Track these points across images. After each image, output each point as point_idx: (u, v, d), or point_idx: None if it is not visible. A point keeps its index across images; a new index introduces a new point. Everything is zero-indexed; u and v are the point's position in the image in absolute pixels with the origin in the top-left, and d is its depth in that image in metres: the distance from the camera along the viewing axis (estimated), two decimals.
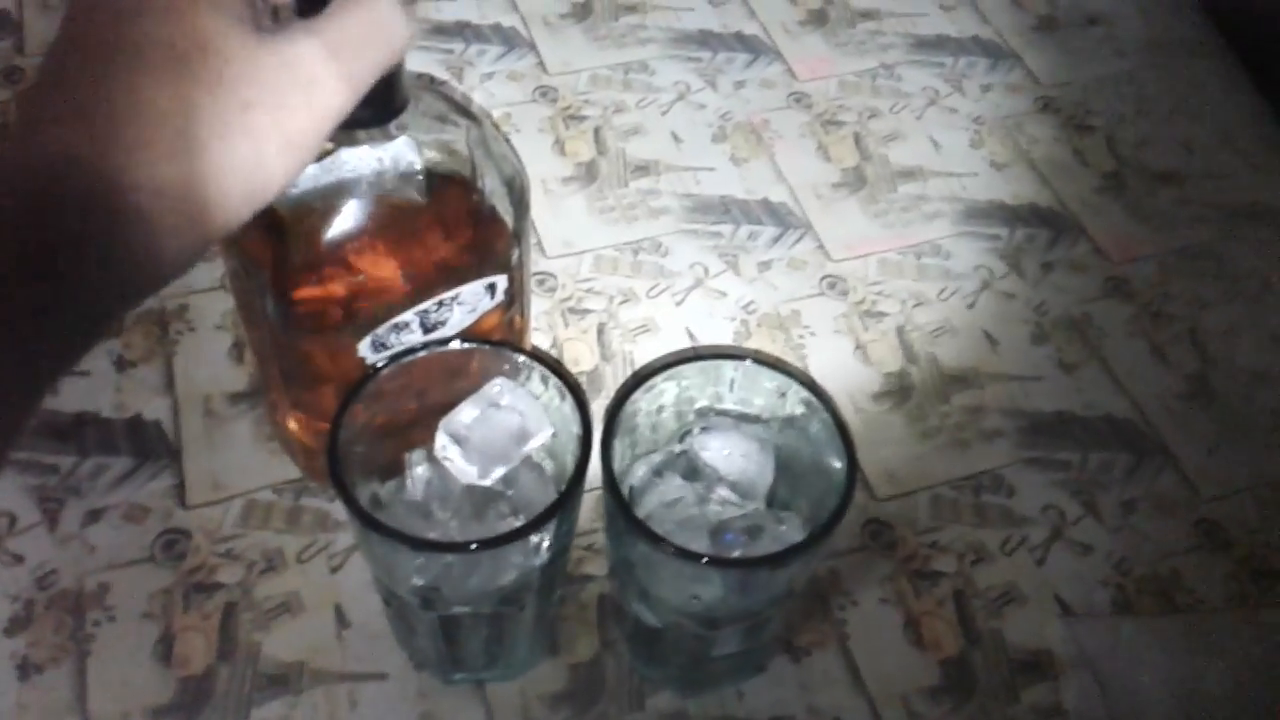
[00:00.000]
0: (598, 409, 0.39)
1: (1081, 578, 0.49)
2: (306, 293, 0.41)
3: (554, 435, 0.41)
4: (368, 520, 0.36)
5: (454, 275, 0.42)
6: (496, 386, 0.41)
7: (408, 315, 0.42)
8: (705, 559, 0.36)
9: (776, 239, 0.62)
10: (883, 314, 0.58)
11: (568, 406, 0.40)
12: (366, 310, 0.41)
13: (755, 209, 0.63)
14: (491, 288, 0.44)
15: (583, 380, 0.55)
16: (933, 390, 0.55)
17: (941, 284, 0.60)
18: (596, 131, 0.67)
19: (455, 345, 0.41)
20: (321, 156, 0.40)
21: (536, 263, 0.59)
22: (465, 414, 0.40)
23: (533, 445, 0.41)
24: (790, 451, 0.42)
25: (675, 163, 0.65)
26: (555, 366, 0.41)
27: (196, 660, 0.45)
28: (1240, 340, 0.58)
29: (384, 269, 0.41)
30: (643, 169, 0.65)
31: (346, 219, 0.39)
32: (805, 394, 0.41)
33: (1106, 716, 0.44)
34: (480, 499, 0.40)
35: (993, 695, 0.45)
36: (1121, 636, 0.46)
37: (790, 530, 0.40)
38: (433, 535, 0.39)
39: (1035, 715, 0.44)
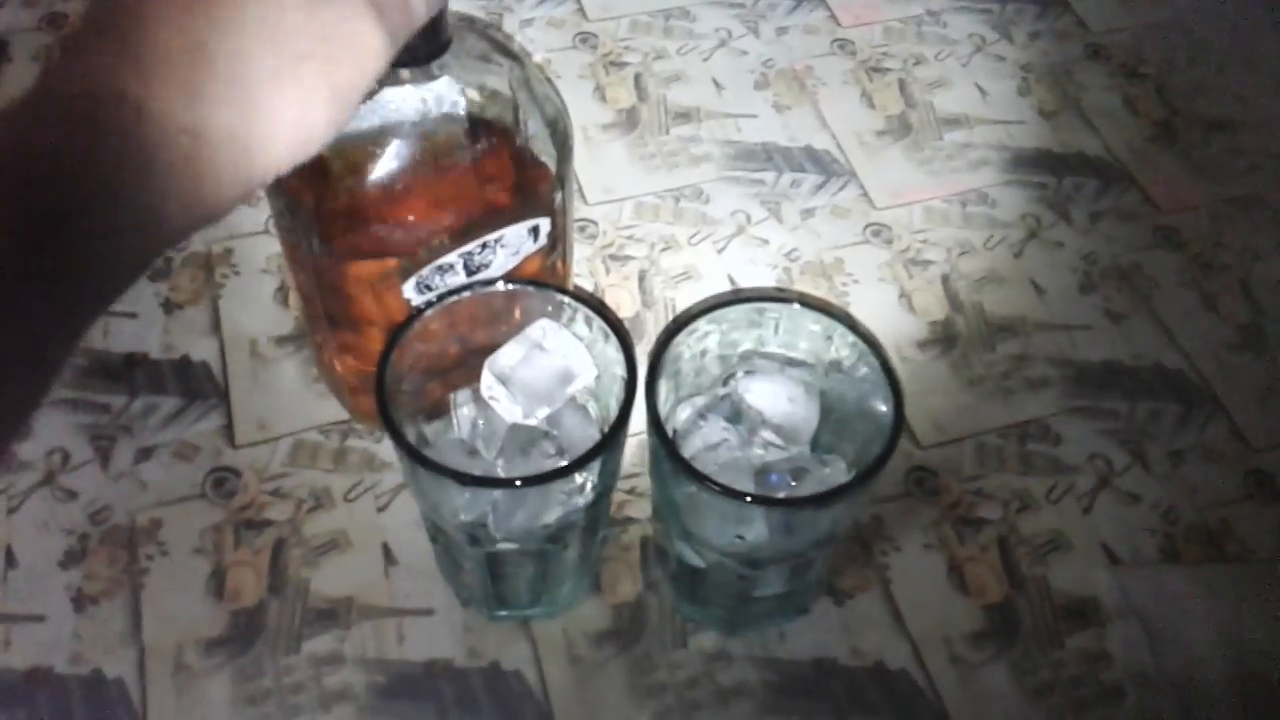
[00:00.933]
0: (639, 355, 0.39)
1: (1128, 526, 0.48)
2: (350, 234, 0.41)
3: (598, 377, 0.41)
4: (415, 455, 0.36)
5: (497, 217, 0.42)
6: (540, 328, 0.41)
7: (451, 257, 0.42)
8: (750, 497, 0.36)
9: (820, 186, 0.61)
10: (928, 262, 0.58)
11: (611, 348, 0.40)
12: (410, 252, 0.41)
13: (798, 156, 0.62)
14: (534, 231, 0.44)
15: (625, 326, 0.55)
16: (978, 339, 0.55)
17: (988, 232, 0.59)
18: (637, 78, 0.66)
19: (499, 286, 0.41)
20: (365, 97, 0.40)
21: (577, 209, 0.59)
22: (510, 354, 0.40)
23: (576, 386, 0.41)
24: (835, 396, 0.42)
25: (717, 110, 0.65)
26: (599, 308, 0.41)
27: (248, 594, 0.45)
28: None
29: (427, 210, 0.41)
30: (684, 116, 0.64)
31: (390, 160, 0.39)
32: (851, 337, 0.40)
33: (1153, 665, 0.44)
34: (525, 438, 0.40)
35: (1037, 641, 0.45)
36: (1169, 585, 0.46)
37: (835, 473, 0.40)
38: (478, 473, 0.39)
39: (1080, 661, 0.44)
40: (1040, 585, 0.46)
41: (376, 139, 0.39)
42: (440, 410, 0.42)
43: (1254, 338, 0.55)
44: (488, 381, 0.40)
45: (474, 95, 0.40)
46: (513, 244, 0.44)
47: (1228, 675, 0.43)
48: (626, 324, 0.55)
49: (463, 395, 0.41)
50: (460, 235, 0.42)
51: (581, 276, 0.57)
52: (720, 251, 0.58)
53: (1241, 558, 0.47)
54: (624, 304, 0.56)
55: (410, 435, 0.39)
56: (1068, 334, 0.55)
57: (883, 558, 0.47)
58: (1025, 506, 0.49)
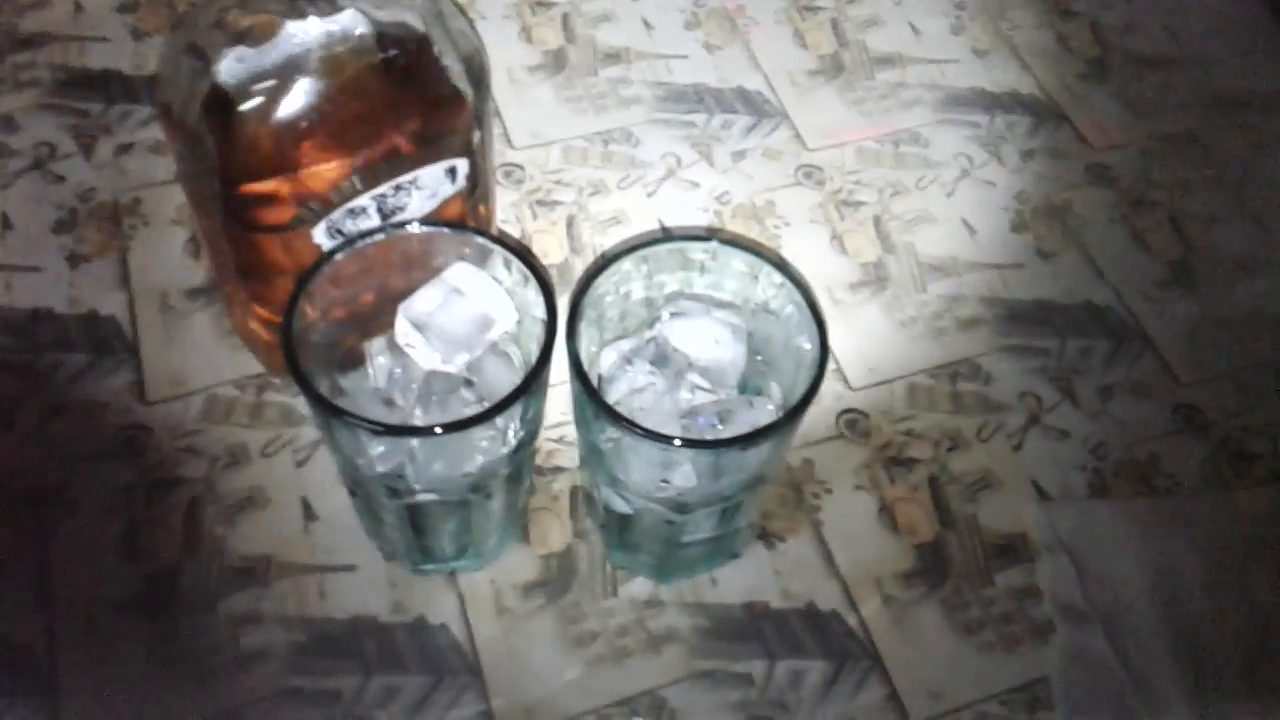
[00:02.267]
0: (565, 301, 0.38)
1: (1058, 463, 0.48)
2: (256, 176, 0.39)
3: (519, 322, 0.40)
4: (327, 407, 0.35)
5: (411, 158, 0.41)
6: (458, 272, 0.39)
7: (363, 200, 0.40)
8: (676, 440, 0.36)
9: (751, 128, 0.60)
10: (860, 203, 0.57)
11: (531, 292, 0.39)
12: (319, 194, 0.40)
13: (729, 97, 0.61)
14: (452, 172, 0.42)
15: (552, 274, 0.53)
16: (910, 280, 0.54)
17: (920, 172, 0.59)
18: (565, 18, 0.64)
19: (412, 228, 0.40)
20: (266, 32, 0.38)
21: (503, 154, 0.58)
22: (426, 299, 0.39)
23: (496, 332, 0.39)
24: (763, 337, 0.42)
25: (646, 50, 0.63)
26: (519, 250, 0.39)
27: (161, 554, 0.44)
28: (1222, 227, 0.57)
29: (336, 150, 0.39)
30: (613, 57, 0.62)
31: (296, 97, 0.38)
32: (778, 276, 0.39)
33: (1082, 599, 0.44)
34: (444, 386, 0.39)
35: (967, 578, 0.45)
36: (1097, 520, 0.46)
37: (762, 414, 0.40)
38: (395, 422, 0.38)
39: (1010, 597, 0.44)
40: (971, 523, 0.46)
41: (279, 74, 0.37)
42: (356, 360, 0.41)
43: (1183, 274, 0.55)
44: (403, 328, 0.39)
45: (383, 29, 0.38)
46: (429, 186, 0.42)
47: (1154, 607, 0.44)
48: (554, 271, 0.53)
49: (378, 344, 0.40)
50: (371, 176, 0.40)
51: (508, 223, 0.55)
52: (650, 195, 0.57)
53: (1169, 491, 0.47)
54: (552, 250, 0.54)
55: (323, 386, 0.38)
56: (999, 273, 0.55)
57: (814, 500, 0.47)
58: (956, 446, 0.48)
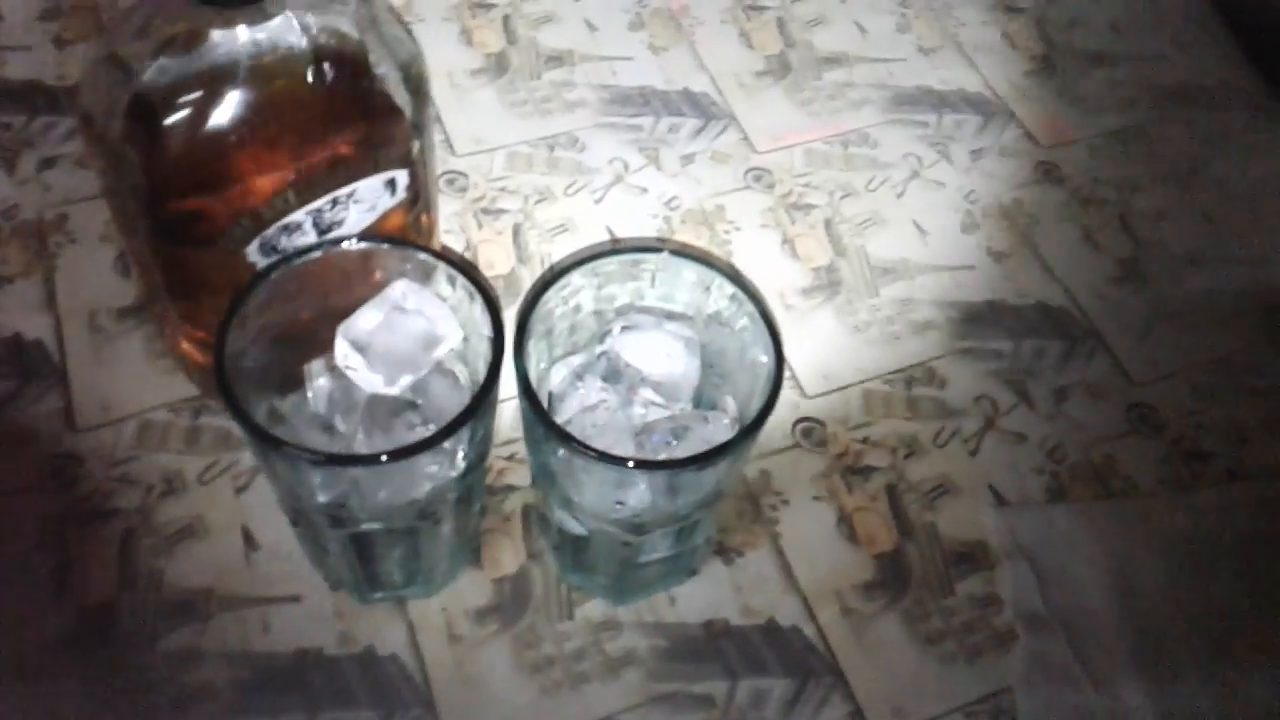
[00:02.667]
0: (515, 317, 0.37)
1: (1015, 467, 0.48)
2: (183, 192, 0.37)
3: (464, 339, 0.38)
4: (263, 436, 0.33)
5: (348, 170, 0.39)
6: (399, 289, 0.38)
7: (298, 215, 0.39)
8: (629, 463, 0.34)
9: (699, 131, 0.59)
10: (810, 206, 0.56)
11: (478, 309, 0.37)
12: (251, 211, 0.38)
13: (676, 100, 0.60)
14: (391, 184, 0.41)
15: (499, 284, 0.52)
16: (862, 283, 0.53)
17: (870, 174, 0.58)
18: (506, 20, 0.63)
19: (349, 245, 0.38)
20: (192, 41, 0.36)
21: (445, 161, 0.56)
22: (367, 319, 0.37)
23: (441, 350, 0.38)
24: (716, 349, 0.41)
25: (590, 52, 0.62)
26: (462, 265, 0.38)
27: (97, 590, 0.42)
28: (1171, 223, 0.57)
29: (268, 163, 0.38)
30: (556, 59, 0.61)
31: (225, 109, 0.36)
32: (730, 288, 0.38)
33: (1043, 605, 0.43)
34: (387, 409, 0.38)
35: (928, 588, 0.44)
36: (1056, 524, 0.46)
37: (717, 430, 0.39)
38: (337, 448, 0.37)
39: (972, 606, 0.44)
40: (930, 531, 0.46)
41: (206, 85, 0.36)
42: (295, 382, 0.39)
43: (1133, 271, 0.55)
44: (343, 350, 0.37)
45: (316, 37, 0.37)
46: (367, 199, 0.40)
47: (1115, 611, 0.43)
48: (501, 281, 0.52)
49: (317, 366, 0.38)
50: (307, 190, 0.39)
51: (452, 233, 0.54)
52: (598, 202, 0.56)
53: (1126, 493, 0.47)
54: (498, 260, 0.53)
55: (260, 412, 0.36)
56: (951, 275, 0.54)
57: (772, 512, 0.46)
58: (913, 452, 0.48)
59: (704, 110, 0.60)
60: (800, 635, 0.43)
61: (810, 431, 0.48)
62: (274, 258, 0.39)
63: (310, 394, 0.38)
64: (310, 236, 0.40)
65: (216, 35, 0.35)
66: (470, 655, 0.41)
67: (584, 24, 0.63)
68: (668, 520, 0.38)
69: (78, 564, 0.42)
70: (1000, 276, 0.54)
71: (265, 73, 0.36)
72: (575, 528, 0.40)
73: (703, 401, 0.41)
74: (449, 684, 0.41)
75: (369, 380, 0.37)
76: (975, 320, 0.52)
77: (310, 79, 0.37)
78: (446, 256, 0.38)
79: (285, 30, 0.36)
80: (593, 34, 0.63)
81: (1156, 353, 0.52)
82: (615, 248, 0.39)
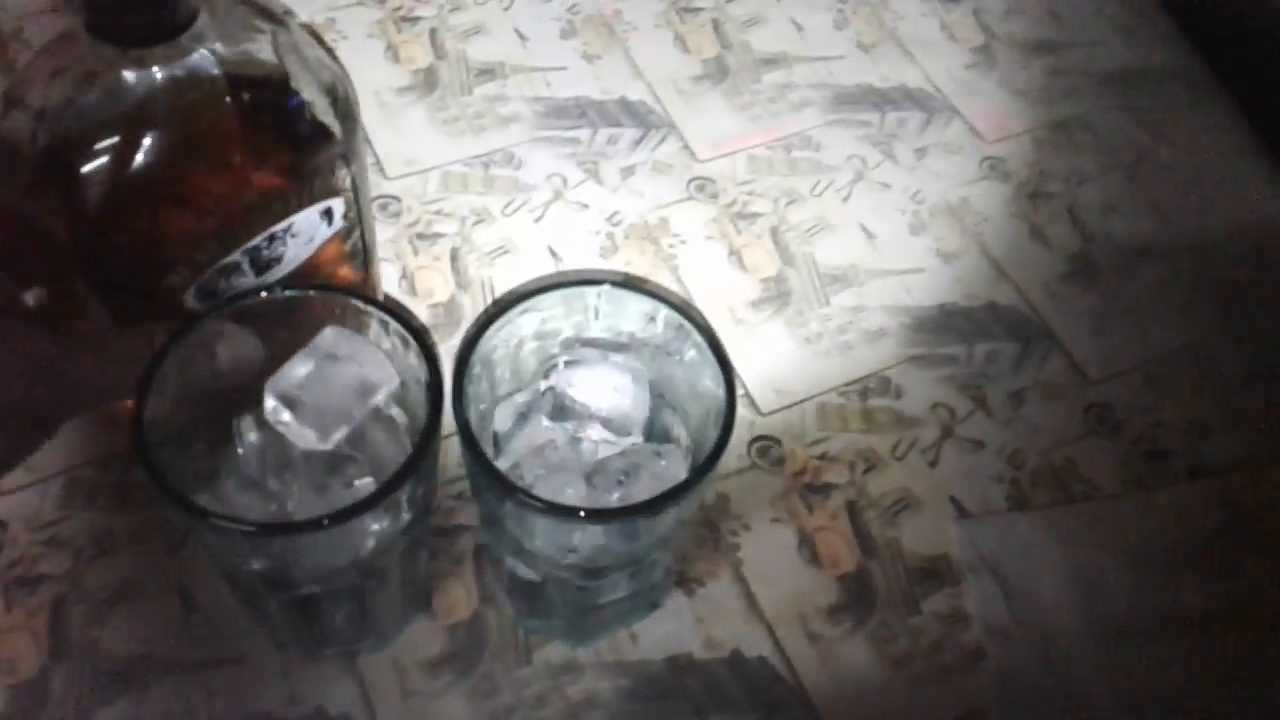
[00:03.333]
0: (455, 346, 0.35)
1: (975, 476, 0.47)
2: (109, 244, 0.35)
3: (401, 384, 0.37)
4: (188, 508, 0.31)
5: (282, 204, 0.37)
6: (329, 337, 0.36)
7: (235, 256, 0.37)
8: (580, 513, 0.33)
9: (638, 141, 0.57)
10: (755, 215, 0.55)
11: (413, 355, 0.36)
12: (184, 257, 0.36)
13: (613, 110, 0.58)
14: (328, 213, 0.39)
15: (439, 313, 0.50)
16: (812, 293, 0.52)
17: (814, 178, 0.57)
18: (433, 33, 0.61)
19: (274, 294, 0.36)
20: (107, 83, 0.34)
21: (378, 185, 0.54)
22: (296, 370, 0.35)
23: (378, 399, 0.36)
24: (665, 378, 0.39)
25: (523, 64, 0.60)
26: (394, 310, 0.36)
27: (26, 663, 0.40)
28: (1119, 214, 0.57)
29: (197, 206, 0.36)
30: (487, 73, 0.59)
31: (145, 153, 0.34)
32: (676, 318, 0.37)
33: (1009, 618, 0.43)
34: (323, 465, 0.36)
35: (894, 608, 0.43)
36: (1018, 534, 0.45)
37: (671, 464, 0.37)
38: (272, 511, 0.35)
39: (939, 624, 0.43)
40: (893, 548, 0.45)
41: (125, 130, 0.33)
42: (225, 438, 0.37)
43: (1084, 266, 0.54)
44: (271, 405, 0.35)
45: (234, 68, 0.35)
46: (305, 232, 0.38)
47: (1082, 620, 0.43)
48: (441, 310, 0.50)
49: (246, 421, 0.36)
50: (242, 229, 0.37)
51: (388, 260, 0.52)
52: (538, 221, 0.54)
53: (1088, 496, 0.46)
54: (437, 288, 0.51)
55: (186, 473, 0.34)
56: (901, 279, 0.53)
57: (732, 538, 0.45)
58: (871, 466, 0.47)
59: (642, 119, 0.58)
60: (766, 665, 0.42)
61: (766, 450, 0.47)
62: (212, 302, 0.37)
63: (240, 451, 0.36)
64: (249, 276, 0.38)
65: (130, 76, 0.33)
66: (425, 709, 0.40)
67: (514, 34, 0.61)
68: (623, 562, 0.37)
69: (5, 636, 0.40)
70: (950, 278, 0.53)
71: (185, 111, 0.34)
72: (528, 574, 0.38)
73: (654, 432, 0.39)
74: None
75: (301, 435, 0.35)
76: (927, 325, 0.52)
77: (233, 113, 0.35)
78: (376, 302, 0.37)
79: (202, 65, 0.34)
80: (524, 44, 0.61)
81: (1111, 349, 0.51)
82: (555, 281, 0.37)
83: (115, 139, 0.33)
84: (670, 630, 0.42)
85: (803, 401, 0.49)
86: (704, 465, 0.34)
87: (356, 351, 0.36)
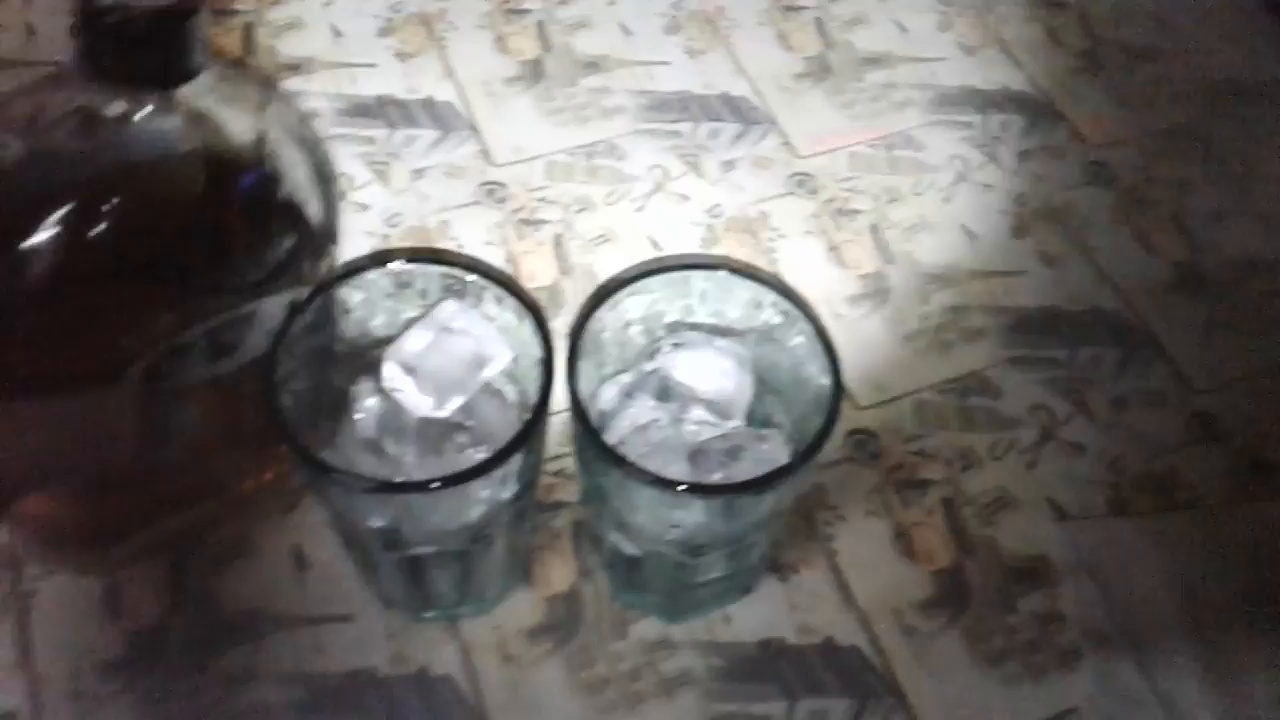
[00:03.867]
0: (560, 326, 0.36)
1: (1075, 479, 0.47)
2: (49, 329, 0.31)
3: (513, 359, 0.38)
4: (314, 463, 0.33)
5: (248, 289, 0.34)
6: (447, 309, 0.37)
7: (191, 337, 0.34)
8: (683, 487, 0.34)
9: (739, 136, 0.58)
10: (855, 212, 0.55)
11: (526, 328, 0.37)
12: (133, 344, 0.33)
13: (715, 104, 0.59)
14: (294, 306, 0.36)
15: (542, 297, 0.51)
16: (912, 291, 0.52)
17: (915, 177, 0.57)
18: (540, 26, 0.62)
19: (396, 265, 0.37)
20: (76, 136, 0.30)
21: (485, 172, 0.55)
22: (414, 341, 0.37)
23: (490, 371, 0.37)
24: (768, 364, 0.40)
25: (627, 57, 0.61)
26: (510, 284, 0.37)
27: (147, 612, 0.42)
28: (1227, 224, 0.56)
29: (155, 290, 0.33)
30: (592, 65, 0.60)
31: (103, 224, 0.30)
32: (783, 304, 0.38)
33: (1107, 620, 0.42)
34: (437, 431, 0.37)
35: (989, 605, 0.43)
36: (1119, 538, 0.44)
37: (773, 448, 0.38)
38: (386, 473, 0.36)
39: (1034, 624, 0.43)
40: (989, 547, 0.45)
41: (82, 197, 0.30)
42: (342, 405, 0.39)
43: (1190, 275, 0.54)
44: (391, 372, 0.37)
45: (215, 137, 0.32)
46: (270, 319, 0.35)
47: (1183, 627, 0.42)
48: (544, 293, 0.51)
49: (365, 387, 0.38)
50: (200, 314, 0.34)
51: (493, 244, 0.53)
52: (639, 210, 0.55)
53: (1192, 505, 0.46)
54: (539, 272, 0.52)
55: (307, 435, 0.36)
56: (1002, 281, 0.53)
57: (827, 528, 0.45)
58: (969, 465, 0.47)
59: (744, 115, 0.59)
60: (859, 654, 0.42)
61: (863, 444, 0.47)
62: (157, 384, 0.34)
63: (358, 417, 0.38)
64: (201, 363, 0.35)
65: (109, 127, 0.30)
66: (524, 675, 0.41)
67: (619, 28, 0.62)
68: (723, 542, 0.38)
69: (128, 586, 0.42)
70: (1052, 282, 0.53)
71: (156, 176, 0.31)
72: (628, 549, 0.39)
73: (755, 418, 0.40)
74: (503, 703, 0.40)
75: (418, 403, 0.37)
76: (1028, 327, 0.51)
77: (205, 186, 0.32)
78: (494, 275, 0.38)
79: (185, 126, 0.31)
80: (628, 38, 0.62)
81: (1216, 359, 0.51)
82: (665, 264, 0.38)
83: (70, 207, 0.30)
84: (763, 614, 0.43)
85: (900, 398, 0.49)
86: (809, 449, 0.34)
87: (472, 325, 0.37)
